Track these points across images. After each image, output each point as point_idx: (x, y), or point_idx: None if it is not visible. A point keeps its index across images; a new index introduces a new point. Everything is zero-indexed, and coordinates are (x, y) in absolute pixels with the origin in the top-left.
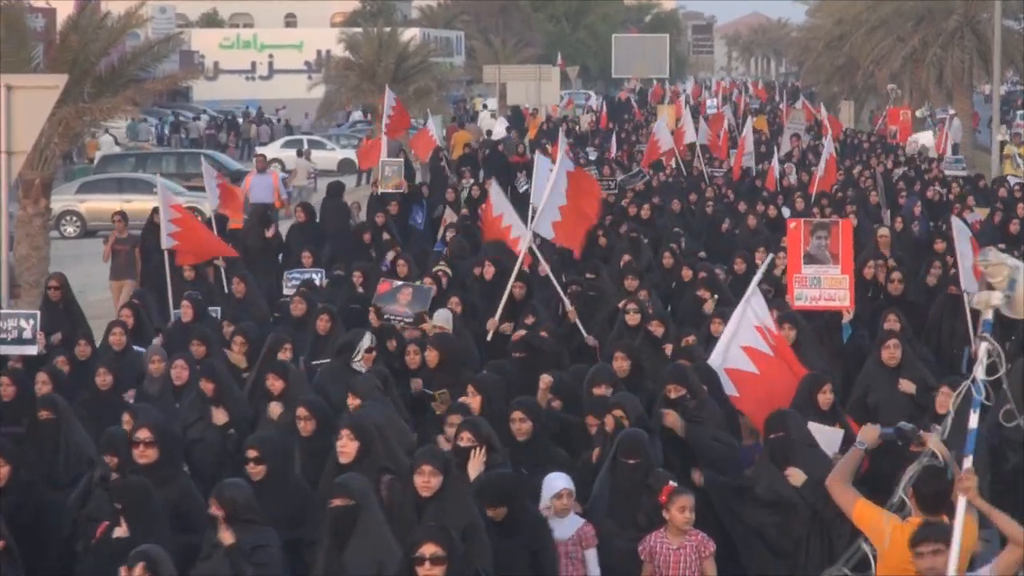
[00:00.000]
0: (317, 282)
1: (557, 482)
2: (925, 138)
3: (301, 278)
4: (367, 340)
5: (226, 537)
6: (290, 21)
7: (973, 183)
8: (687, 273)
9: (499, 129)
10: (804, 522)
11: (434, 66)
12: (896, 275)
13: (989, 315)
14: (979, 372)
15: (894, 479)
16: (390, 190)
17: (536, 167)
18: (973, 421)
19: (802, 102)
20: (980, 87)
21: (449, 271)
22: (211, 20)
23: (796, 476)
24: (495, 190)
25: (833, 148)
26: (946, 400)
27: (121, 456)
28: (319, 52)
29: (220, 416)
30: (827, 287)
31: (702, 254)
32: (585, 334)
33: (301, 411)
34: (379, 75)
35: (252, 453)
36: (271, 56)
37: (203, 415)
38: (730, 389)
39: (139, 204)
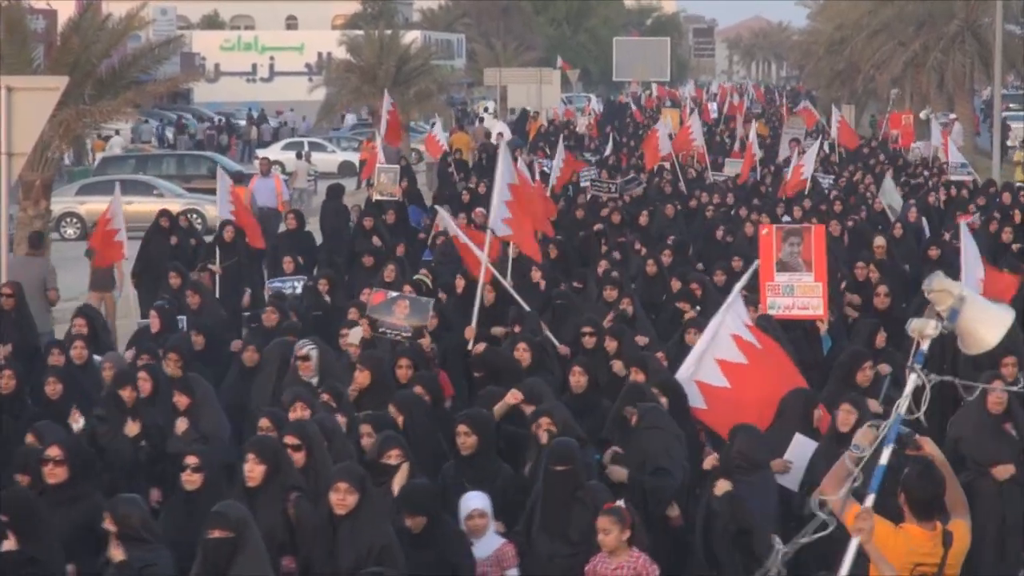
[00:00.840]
0: (299, 289)
1: (471, 501)
2: (924, 148)
3: (283, 285)
4: (306, 349)
5: (116, 554)
6: (291, 23)
7: (984, 190)
8: (676, 284)
9: (501, 132)
10: (720, 536)
11: (435, 69)
12: (882, 288)
13: (925, 345)
14: (902, 407)
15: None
16: (385, 197)
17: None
18: (884, 456)
19: (803, 106)
20: (981, 92)
21: (428, 280)
22: (212, 22)
23: (720, 486)
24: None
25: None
26: (847, 417)
27: (33, 475)
28: (320, 54)
29: (132, 428)
30: (801, 295)
31: (700, 265)
32: (557, 343)
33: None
34: (380, 78)
35: (191, 461)
36: (272, 58)
37: (116, 426)
38: (697, 401)
39: (140, 206)
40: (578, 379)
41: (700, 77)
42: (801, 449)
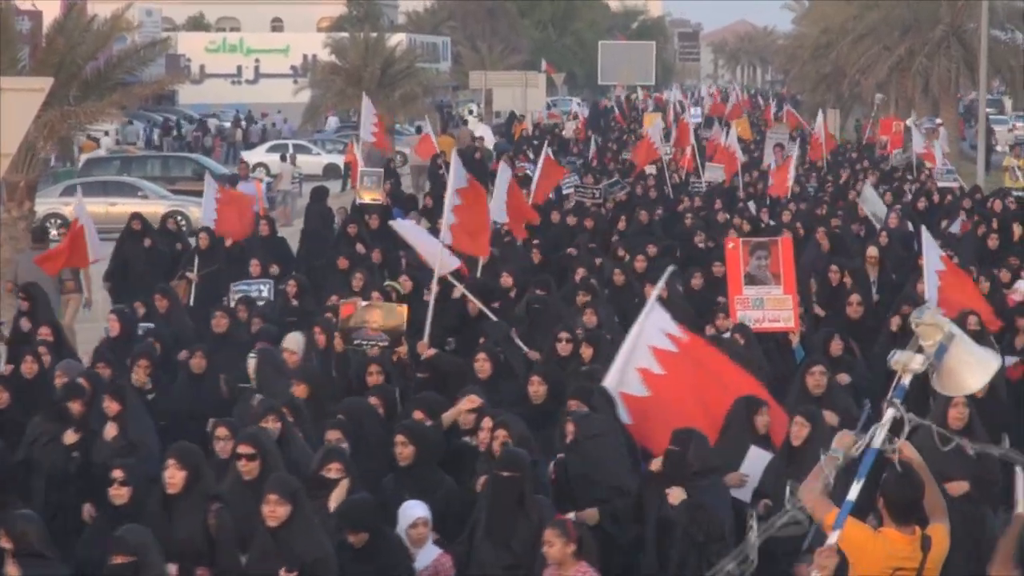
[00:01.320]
0: (265, 292)
1: (414, 510)
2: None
3: (248, 289)
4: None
5: (12, 571)
6: (276, 25)
7: (971, 195)
8: (648, 290)
9: (484, 135)
10: (676, 543)
11: (420, 72)
12: (855, 297)
13: (906, 380)
14: (877, 440)
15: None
16: (368, 201)
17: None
18: (853, 492)
19: (786, 111)
20: (965, 96)
21: (399, 287)
22: (197, 24)
23: (675, 495)
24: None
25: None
26: (800, 431)
27: None
28: (305, 57)
29: (71, 437)
30: (770, 308)
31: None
32: (525, 349)
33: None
34: (365, 80)
35: (117, 475)
36: (257, 60)
37: (54, 434)
38: (624, 416)
39: (124, 207)
40: (536, 388)
41: (686, 81)
42: (756, 462)
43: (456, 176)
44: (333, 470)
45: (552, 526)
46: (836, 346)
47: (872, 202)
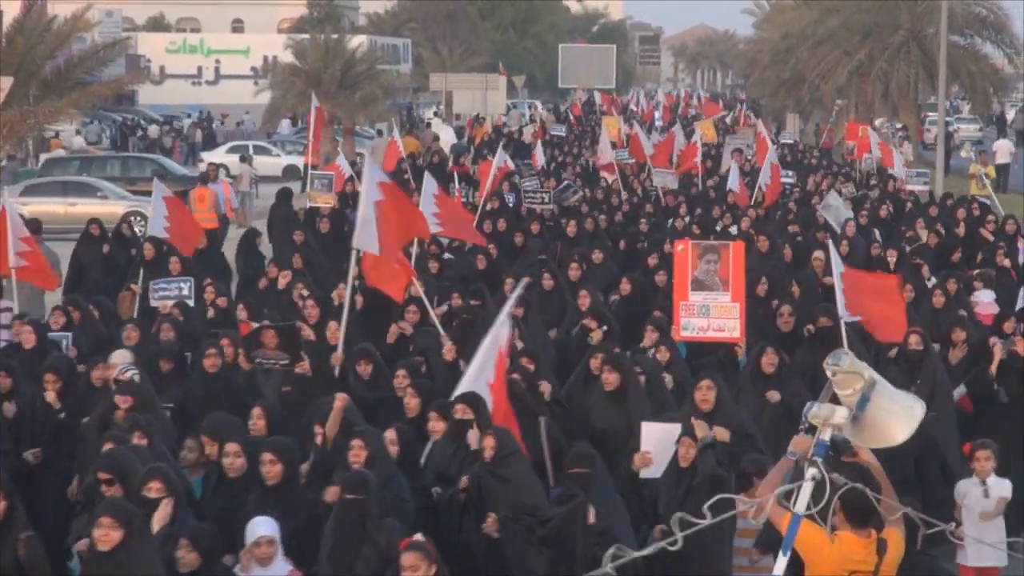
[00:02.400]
0: (185, 290)
1: (259, 528)
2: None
3: (168, 288)
4: (129, 373)
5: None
6: (237, 26)
7: (941, 202)
8: (584, 299)
9: (446, 136)
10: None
11: (381, 73)
12: (785, 308)
13: (826, 435)
14: (800, 505)
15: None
16: (320, 204)
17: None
18: (779, 567)
19: (742, 116)
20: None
21: (336, 296)
22: (158, 24)
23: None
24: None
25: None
26: (687, 452)
27: None
28: (266, 58)
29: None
30: (716, 316)
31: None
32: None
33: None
34: (325, 82)
35: None
36: (218, 61)
37: None
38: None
39: (84, 208)
40: (409, 401)
41: (647, 84)
42: (653, 434)
43: (371, 186)
44: (153, 489)
45: (414, 549)
46: (768, 361)
47: (833, 209)
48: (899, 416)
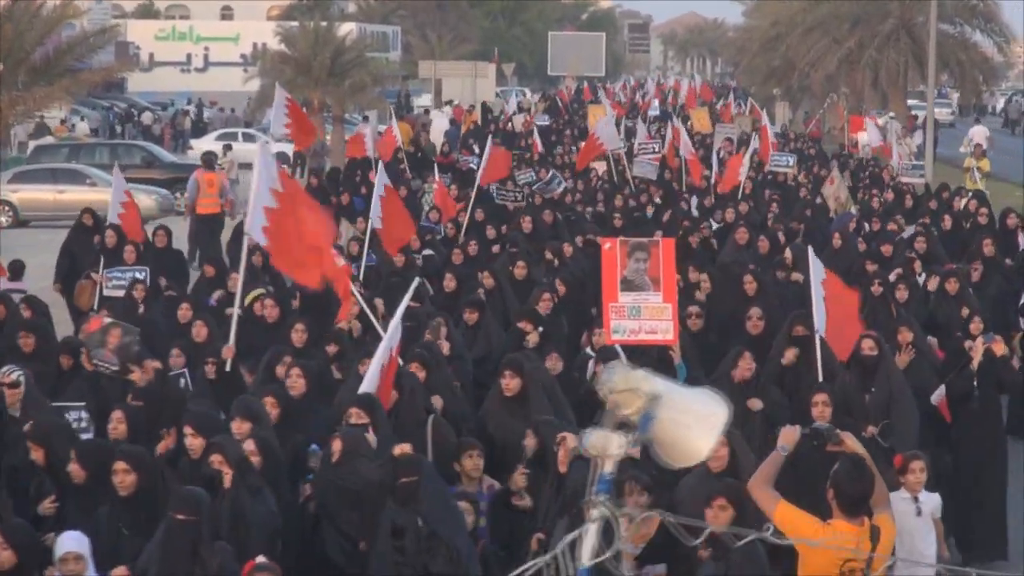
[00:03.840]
0: (142, 278)
1: (66, 543)
2: (866, 137)
3: (123, 276)
4: (14, 375)
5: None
6: (226, 14)
7: (938, 195)
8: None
9: (439, 123)
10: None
11: (370, 61)
12: (755, 311)
13: (609, 467)
14: (585, 557)
15: (815, 480)
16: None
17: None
18: None
19: (750, 104)
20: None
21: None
22: (147, 11)
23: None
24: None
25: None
26: (566, 456)
27: None
28: (255, 45)
29: None
30: (648, 318)
31: None
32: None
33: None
34: (315, 69)
35: None
36: (207, 48)
37: None
38: None
39: (73, 195)
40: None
41: (636, 72)
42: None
43: (266, 173)
44: None
45: (261, 570)
46: (745, 366)
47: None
48: (697, 428)
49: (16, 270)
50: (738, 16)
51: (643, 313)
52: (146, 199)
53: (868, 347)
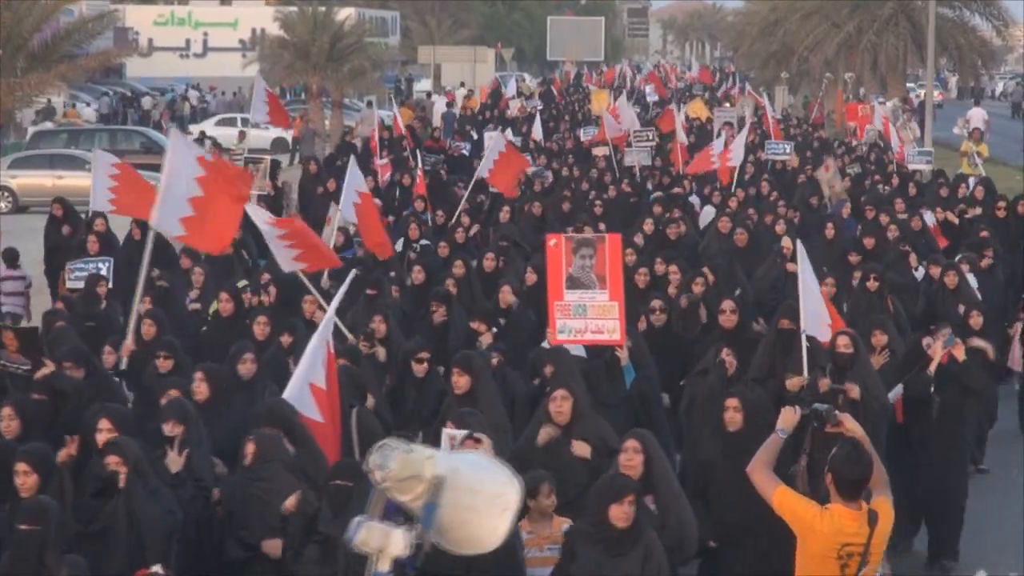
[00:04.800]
0: (104, 271)
1: None
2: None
3: (86, 267)
4: None
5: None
6: None
7: (946, 180)
8: (504, 293)
9: (438, 106)
10: None
11: (369, 46)
12: (728, 304)
13: (385, 567)
14: None
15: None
16: (255, 191)
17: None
18: None
19: (748, 90)
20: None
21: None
22: None
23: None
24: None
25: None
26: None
27: None
28: (254, 30)
29: None
30: (594, 316)
31: None
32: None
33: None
34: (313, 54)
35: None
36: (206, 34)
37: None
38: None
39: (71, 180)
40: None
41: (634, 57)
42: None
43: (185, 159)
44: None
45: None
46: (728, 362)
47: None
48: (486, 510)
49: (10, 258)
50: (737, 0)
51: (589, 312)
52: None
53: (843, 344)
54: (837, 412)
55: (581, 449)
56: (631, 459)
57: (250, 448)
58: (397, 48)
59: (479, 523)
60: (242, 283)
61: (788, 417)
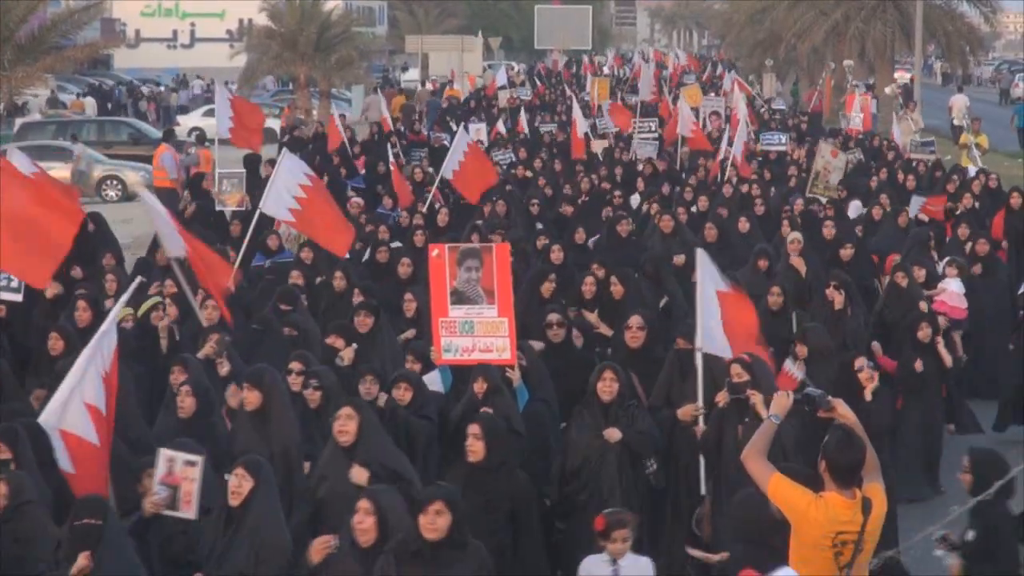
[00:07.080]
0: (14, 284)
1: None
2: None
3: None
4: None
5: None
6: None
7: (943, 171)
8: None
9: (426, 95)
10: None
11: (356, 36)
12: (635, 320)
13: None
14: None
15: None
16: (230, 207)
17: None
18: None
19: (733, 80)
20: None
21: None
22: None
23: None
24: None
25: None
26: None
27: None
28: (241, 21)
29: None
30: (482, 334)
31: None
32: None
33: None
34: (301, 44)
35: None
36: (193, 24)
37: None
38: (63, 461)
39: (59, 172)
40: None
41: (622, 46)
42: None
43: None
44: None
45: None
46: (604, 388)
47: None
48: None
49: None
50: None
51: (476, 329)
52: (133, 175)
53: (736, 373)
54: (830, 398)
55: (359, 475)
56: (361, 520)
57: (1, 489)
58: (384, 38)
59: None
60: (153, 300)
61: (781, 402)
